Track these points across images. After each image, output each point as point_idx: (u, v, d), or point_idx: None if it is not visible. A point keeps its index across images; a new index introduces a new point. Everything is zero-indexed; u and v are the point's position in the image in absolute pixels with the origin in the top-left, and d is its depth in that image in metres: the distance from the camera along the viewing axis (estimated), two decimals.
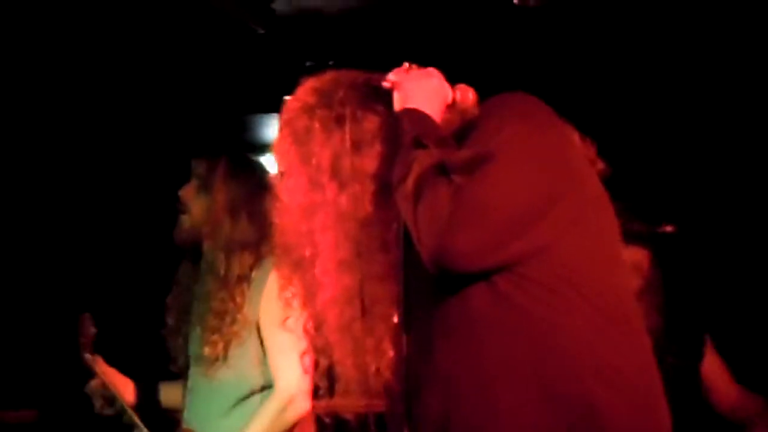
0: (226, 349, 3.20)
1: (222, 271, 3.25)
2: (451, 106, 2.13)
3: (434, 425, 1.98)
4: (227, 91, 5.28)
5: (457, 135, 2.07)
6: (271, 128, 5.80)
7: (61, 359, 3.63)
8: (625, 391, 1.87)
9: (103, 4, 4.36)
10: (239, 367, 3.21)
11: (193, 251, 3.43)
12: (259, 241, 3.26)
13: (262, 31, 4.59)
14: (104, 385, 3.47)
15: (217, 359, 3.20)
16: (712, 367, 3.81)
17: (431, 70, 2.16)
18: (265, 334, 3.19)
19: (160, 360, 3.52)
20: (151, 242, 5.41)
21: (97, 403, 3.50)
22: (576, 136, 2.08)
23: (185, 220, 3.38)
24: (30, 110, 5.13)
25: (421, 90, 2.10)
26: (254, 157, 3.57)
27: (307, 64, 5.19)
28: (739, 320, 4.61)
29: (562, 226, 1.91)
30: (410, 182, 1.92)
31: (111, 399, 3.46)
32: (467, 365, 1.92)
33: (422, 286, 2.04)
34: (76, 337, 3.57)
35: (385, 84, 2.16)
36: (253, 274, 3.26)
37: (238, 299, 3.22)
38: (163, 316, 3.49)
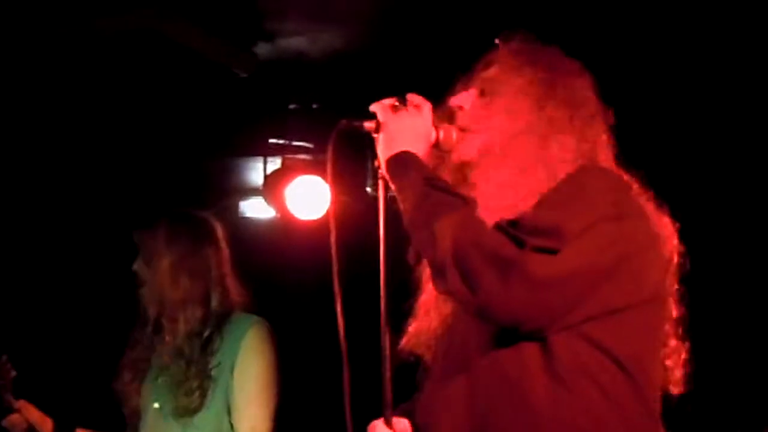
0: (202, 397, 3.25)
1: (168, 335, 3.33)
2: (435, 146, 2.11)
3: None
4: (211, 135, 5.28)
5: None
6: (255, 171, 5.81)
7: None
8: None
9: (87, 52, 4.36)
10: (210, 418, 3.25)
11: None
12: (204, 296, 3.33)
13: (244, 75, 4.59)
14: (22, 420, 3.55)
15: (191, 408, 3.24)
16: None
17: (418, 108, 2.12)
18: (238, 384, 3.25)
19: (83, 404, 3.56)
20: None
21: None
22: (654, 219, 2.03)
23: (144, 293, 3.41)
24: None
25: (407, 130, 2.08)
26: (200, 212, 3.56)
27: (291, 107, 5.21)
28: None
29: (614, 315, 1.88)
30: (446, 230, 1.86)
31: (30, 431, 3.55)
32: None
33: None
34: None
35: (369, 125, 2.12)
36: (231, 325, 3.32)
37: (190, 354, 3.28)
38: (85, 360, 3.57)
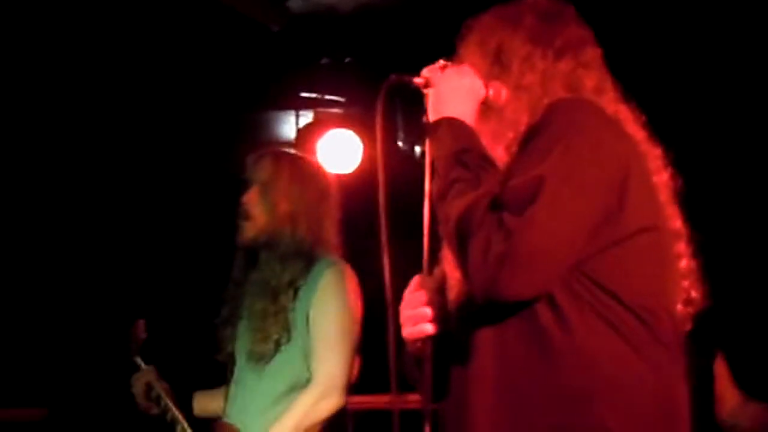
0: (276, 346, 3.25)
1: (274, 279, 3.31)
2: (484, 104, 2.12)
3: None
4: (243, 89, 5.30)
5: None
6: (287, 125, 5.83)
7: (72, 358, 3.69)
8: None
9: (122, 6, 4.39)
10: (286, 364, 3.25)
11: (248, 250, 3.46)
12: (312, 246, 3.34)
13: (277, 29, 4.60)
14: (150, 384, 3.56)
15: (266, 355, 3.25)
16: (719, 370, 3.82)
17: (465, 67, 2.14)
18: (313, 327, 3.24)
19: (198, 364, 3.58)
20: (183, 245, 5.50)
21: (141, 402, 3.58)
22: (641, 145, 2.03)
23: (249, 227, 3.38)
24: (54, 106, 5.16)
25: (456, 89, 2.09)
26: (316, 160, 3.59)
27: (323, 61, 5.22)
28: (748, 328, 4.62)
29: (612, 249, 1.89)
30: (454, 210, 1.89)
31: (156, 397, 3.55)
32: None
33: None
34: (126, 340, 3.67)
35: (418, 81, 2.14)
36: (310, 273, 3.31)
37: (285, 304, 3.26)
38: (199, 316, 3.56)
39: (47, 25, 4.46)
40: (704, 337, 3.76)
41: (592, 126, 1.92)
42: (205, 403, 3.59)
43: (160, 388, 3.54)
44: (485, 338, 1.95)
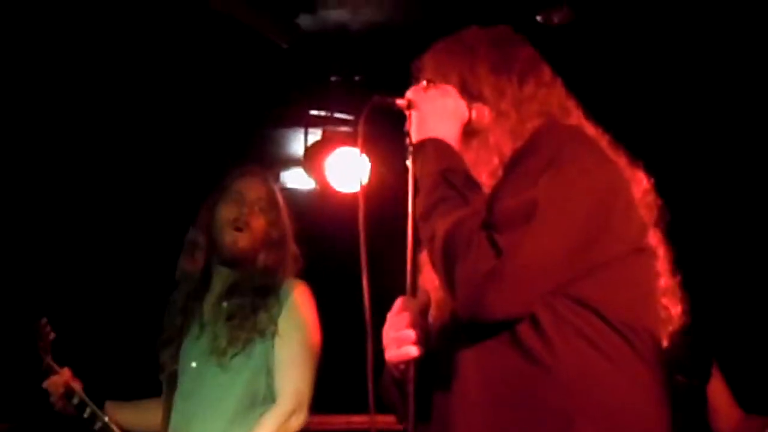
0: (245, 344, 3.31)
1: (258, 283, 3.42)
2: (468, 125, 2.12)
3: None
4: (252, 106, 5.31)
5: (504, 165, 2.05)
6: (296, 143, 5.83)
7: (31, 370, 3.70)
8: None
9: (134, 19, 4.41)
10: (248, 375, 3.31)
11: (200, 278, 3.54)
12: (281, 267, 3.50)
13: (286, 46, 4.61)
14: (68, 387, 3.58)
15: (229, 353, 3.30)
16: (717, 389, 3.83)
17: (448, 88, 2.14)
18: (278, 346, 3.33)
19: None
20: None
21: (55, 398, 3.59)
22: (627, 173, 2.04)
23: (244, 238, 3.47)
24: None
25: (439, 110, 2.09)
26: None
27: (332, 78, 5.22)
28: (744, 344, 4.61)
29: (597, 271, 1.90)
30: (441, 228, 1.89)
31: (70, 394, 3.57)
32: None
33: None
34: (34, 341, 3.66)
35: (401, 102, 2.14)
36: (280, 290, 3.43)
37: (260, 307, 3.36)
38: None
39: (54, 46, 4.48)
40: (696, 359, 3.77)
41: (581, 152, 1.94)
42: (122, 414, 3.61)
43: (81, 392, 3.56)
44: (468, 359, 1.95)
